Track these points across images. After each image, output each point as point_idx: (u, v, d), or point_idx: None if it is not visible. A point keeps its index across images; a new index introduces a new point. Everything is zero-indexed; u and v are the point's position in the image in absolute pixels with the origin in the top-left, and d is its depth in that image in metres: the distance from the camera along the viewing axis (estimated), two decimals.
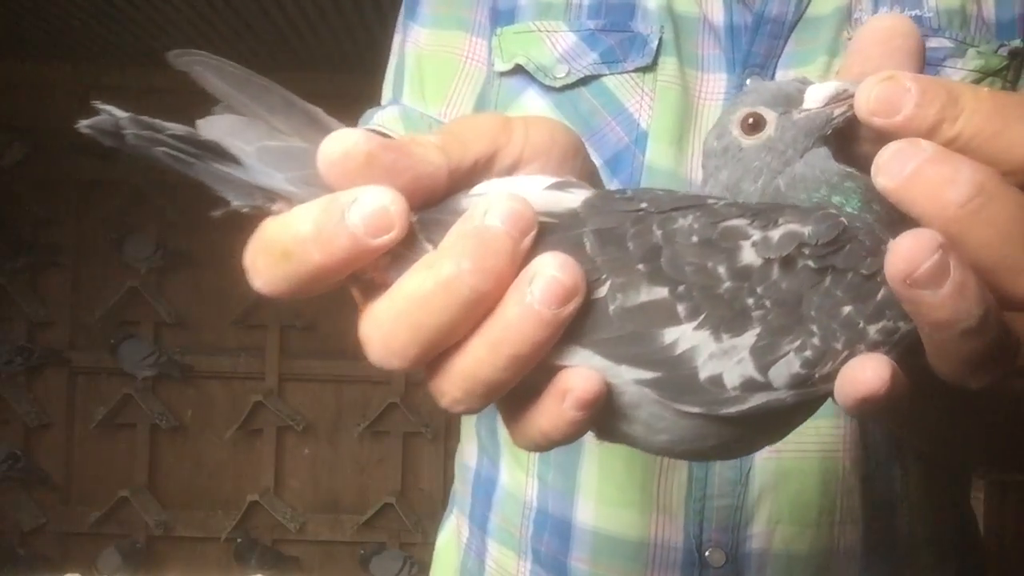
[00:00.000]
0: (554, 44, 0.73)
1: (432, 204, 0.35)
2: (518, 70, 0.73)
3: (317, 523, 3.08)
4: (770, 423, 0.36)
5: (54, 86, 3.03)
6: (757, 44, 0.69)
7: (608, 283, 0.34)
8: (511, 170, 0.38)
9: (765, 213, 0.35)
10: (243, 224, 0.39)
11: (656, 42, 0.71)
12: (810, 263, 0.34)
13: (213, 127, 0.39)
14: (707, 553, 0.65)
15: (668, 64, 0.71)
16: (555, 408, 0.34)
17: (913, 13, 0.67)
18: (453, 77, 0.78)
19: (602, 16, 0.73)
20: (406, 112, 0.78)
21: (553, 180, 0.37)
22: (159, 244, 3.01)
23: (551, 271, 0.32)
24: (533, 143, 0.38)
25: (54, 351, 3.03)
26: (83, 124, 0.37)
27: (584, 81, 0.72)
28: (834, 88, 0.37)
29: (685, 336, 0.34)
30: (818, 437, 0.64)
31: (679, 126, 0.70)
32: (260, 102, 0.40)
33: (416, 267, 0.33)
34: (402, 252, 0.34)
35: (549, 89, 0.72)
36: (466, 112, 0.77)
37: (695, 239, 0.34)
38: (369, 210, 0.33)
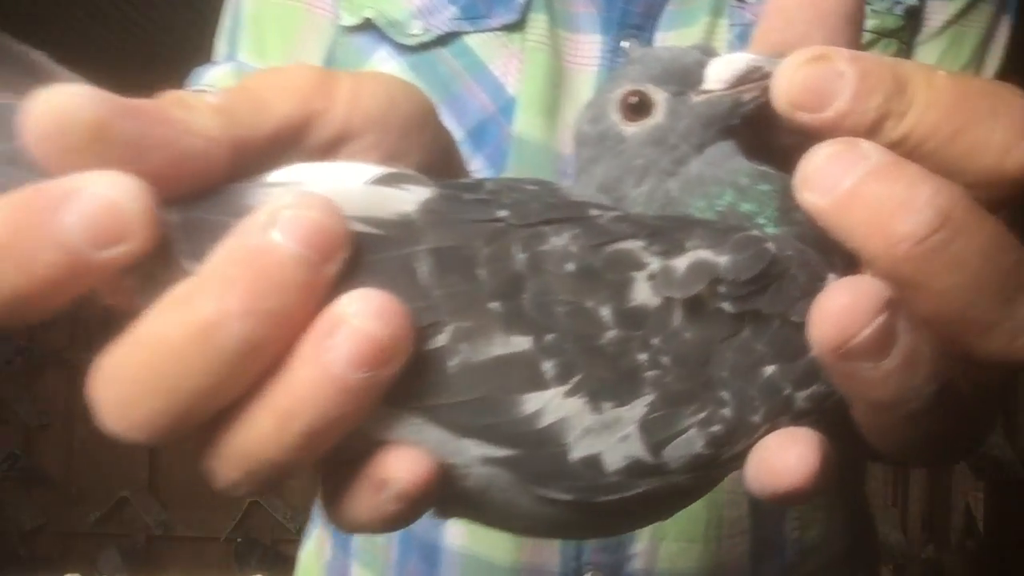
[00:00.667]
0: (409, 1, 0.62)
1: (204, 196, 0.25)
2: (367, 25, 0.63)
3: None
4: (660, 505, 0.28)
5: None
6: (635, 3, 0.61)
7: (449, 328, 0.24)
8: (331, 146, 0.28)
9: (667, 234, 0.26)
10: None
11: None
12: (725, 306, 0.25)
13: None
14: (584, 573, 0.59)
15: (538, 22, 0.61)
16: (372, 498, 0.25)
17: None
18: (297, 29, 0.67)
19: None
20: (242, 71, 0.69)
21: (381, 170, 0.26)
22: None
23: (361, 321, 0.22)
24: (364, 108, 0.28)
25: (54, 351, 3.03)
26: None
27: (443, 40, 0.62)
28: (745, 64, 0.28)
29: (552, 404, 0.25)
30: None
31: (550, 93, 0.61)
32: None
33: (166, 301, 0.23)
34: (153, 271, 0.24)
35: (403, 48, 0.62)
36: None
37: (571, 267, 0.25)
38: (91, 209, 0.22)
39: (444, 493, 0.26)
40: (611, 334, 0.25)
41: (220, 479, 0.26)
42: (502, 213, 0.26)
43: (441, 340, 0.24)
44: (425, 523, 0.60)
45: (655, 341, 0.25)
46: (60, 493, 3.07)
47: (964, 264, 0.23)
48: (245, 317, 0.22)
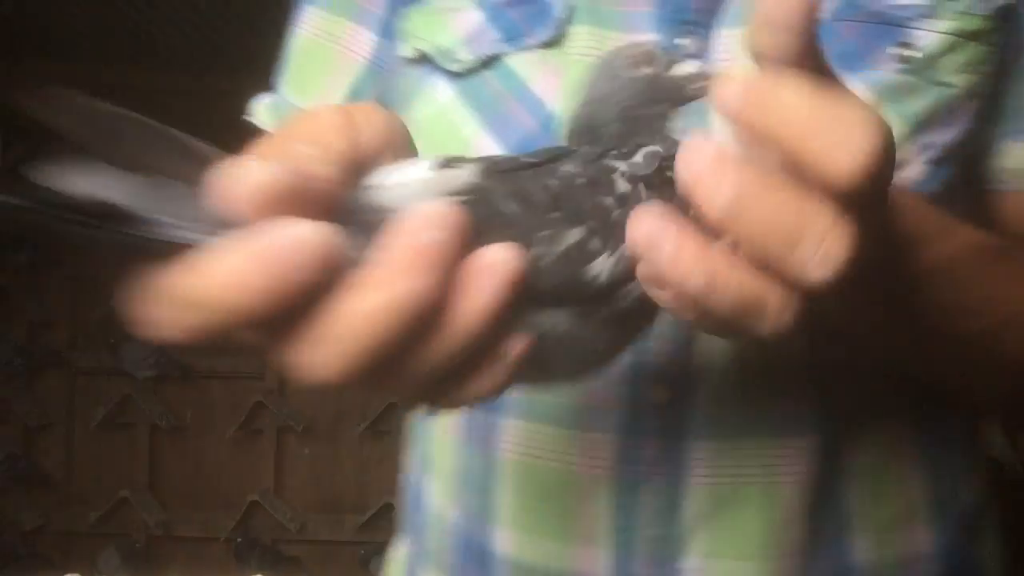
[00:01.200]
0: (459, 25, 0.64)
1: (341, 202, 0.35)
2: (422, 57, 0.65)
3: (317, 523, 3.08)
4: (644, 314, 0.40)
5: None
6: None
7: (536, 239, 0.36)
8: (371, 163, 0.37)
9: (624, 145, 0.40)
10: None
11: (562, 11, 0.62)
12: (669, 175, 0.38)
13: (59, 176, 0.30)
14: None
15: (579, 35, 0.62)
16: (491, 372, 0.36)
17: None
18: (330, 69, 0.72)
19: None
20: (277, 105, 0.75)
21: (434, 159, 0.37)
22: None
23: (501, 263, 0.34)
24: (377, 133, 0.38)
25: (54, 351, 3.03)
26: None
27: (487, 63, 0.64)
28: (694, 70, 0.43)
29: (602, 265, 0.37)
30: (758, 462, 0.58)
31: None
32: (111, 135, 0.33)
33: (360, 285, 0.32)
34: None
35: (453, 75, 0.64)
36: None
37: (582, 180, 0.38)
38: (309, 250, 0.31)
39: (531, 359, 0.37)
40: (616, 212, 0.37)
41: (404, 398, 0.37)
42: (526, 160, 0.38)
43: (535, 250, 0.36)
44: (477, 528, 0.61)
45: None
46: (60, 493, 3.07)
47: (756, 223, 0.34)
48: (427, 288, 0.32)
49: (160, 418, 3.02)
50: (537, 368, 0.38)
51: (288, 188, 0.32)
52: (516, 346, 0.36)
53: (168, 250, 0.31)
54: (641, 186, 0.38)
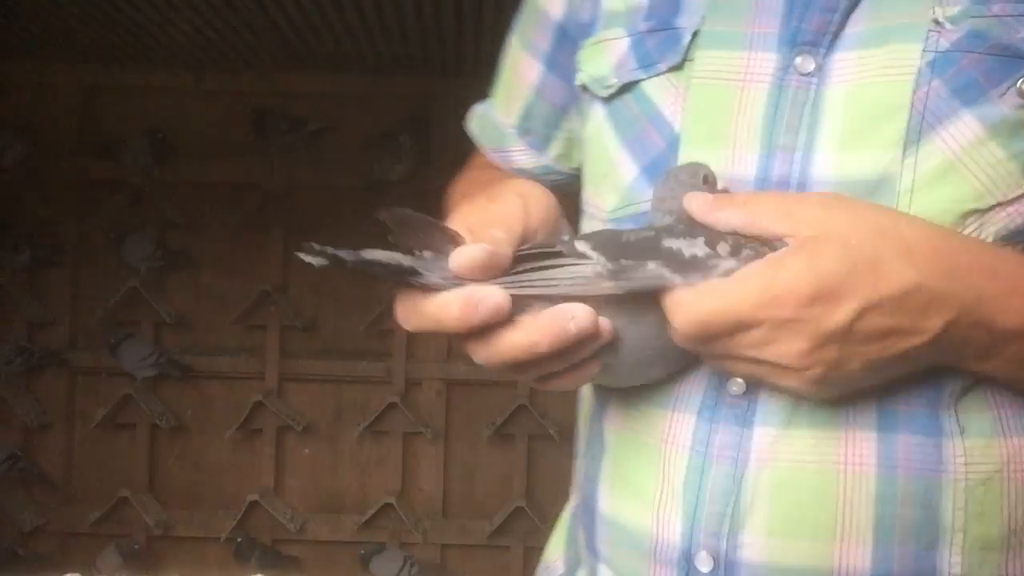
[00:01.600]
0: (612, 53, 0.72)
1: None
2: (583, 86, 0.76)
3: (317, 523, 3.08)
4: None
5: (54, 86, 3.03)
6: (807, 19, 0.64)
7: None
8: (533, 235, 0.62)
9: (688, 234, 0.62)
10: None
11: (688, 38, 0.68)
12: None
13: (384, 253, 0.58)
14: (696, 556, 0.63)
15: (703, 59, 0.68)
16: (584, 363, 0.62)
17: None
18: (512, 91, 0.87)
19: (651, 16, 0.71)
20: (484, 115, 0.91)
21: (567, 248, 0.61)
22: (159, 244, 3.01)
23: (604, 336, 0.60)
24: (539, 216, 0.64)
25: (54, 351, 3.03)
26: (308, 259, 0.56)
27: (626, 88, 0.71)
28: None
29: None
30: (815, 447, 0.61)
31: (715, 121, 0.67)
32: (417, 231, 0.59)
33: (517, 328, 0.58)
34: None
35: (603, 100, 0.73)
36: (514, 123, 0.86)
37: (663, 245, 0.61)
38: (489, 302, 0.57)
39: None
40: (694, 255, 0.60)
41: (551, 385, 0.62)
42: (630, 238, 0.62)
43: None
44: (589, 487, 0.74)
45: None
46: (60, 493, 3.07)
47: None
48: (546, 347, 0.58)
49: (160, 418, 3.01)
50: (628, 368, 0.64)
51: (488, 260, 0.57)
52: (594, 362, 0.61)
53: (425, 288, 0.58)
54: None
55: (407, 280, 0.57)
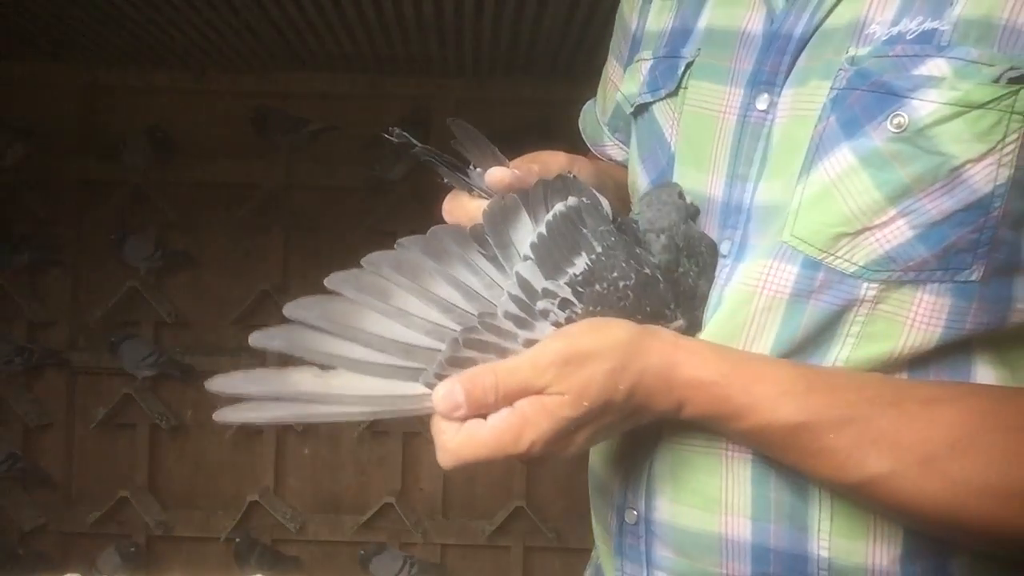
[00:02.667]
0: (641, 73, 0.82)
1: None
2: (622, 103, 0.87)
3: (317, 523, 3.08)
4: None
5: (54, 86, 3.03)
6: (764, 61, 0.71)
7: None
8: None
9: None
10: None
11: (683, 67, 0.77)
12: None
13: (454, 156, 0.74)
14: (625, 511, 0.75)
15: (694, 88, 0.76)
16: None
17: (931, 27, 0.63)
18: (606, 94, 0.95)
19: (668, 43, 0.80)
20: (587, 111, 1.01)
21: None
22: (159, 244, 3.01)
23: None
24: (581, 173, 0.78)
25: (54, 351, 3.03)
26: (394, 134, 0.70)
27: (641, 109, 0.82)
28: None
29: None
30: (701, 436, 0.70)
31: (701, 147, 0.75)
32: (476, 145, 0.73)
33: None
34: None
35: (631, 117, 0.84)
36: (607, 121, 0.96)
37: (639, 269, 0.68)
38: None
39: None
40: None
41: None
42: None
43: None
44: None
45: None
46: (60, 493, 3.07)
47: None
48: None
49: (160, 418, 3.01)
50: None
51: (512, 182, 0.70)
52: None
53: (470, 189, 0.73)
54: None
55: (460, 179, 0.73)
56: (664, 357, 0.63)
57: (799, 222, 0.66)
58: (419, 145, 0.70)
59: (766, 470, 0.68)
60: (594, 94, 1.00)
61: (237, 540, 2.91)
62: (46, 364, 3.03)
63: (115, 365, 2.97)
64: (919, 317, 0.64)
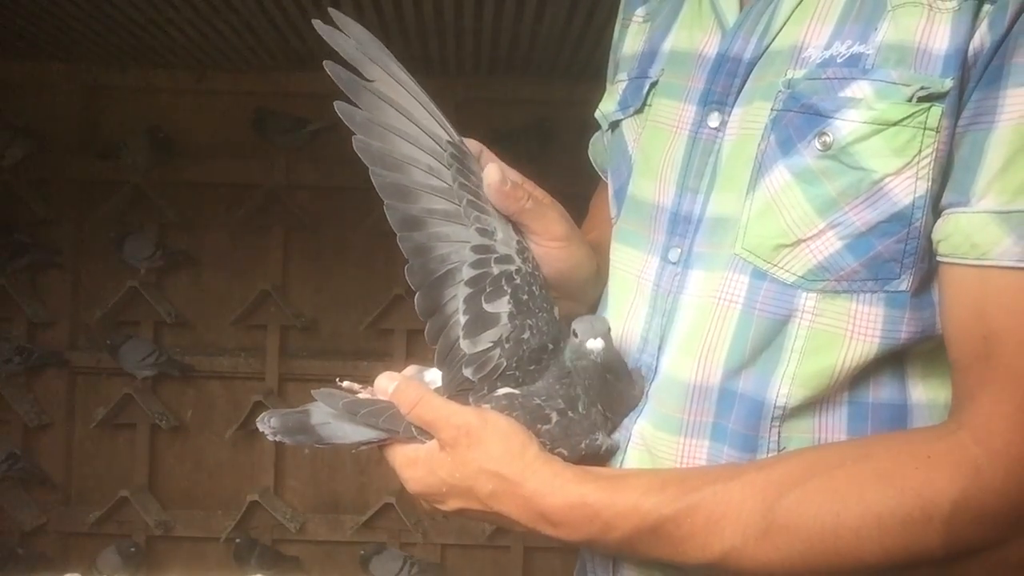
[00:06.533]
0: (617, 93, 0.88)
1: None
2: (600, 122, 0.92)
3: (317, 523, 3.08)
4: None
5: (54, 86, 3.03)
6: (715, 80, 0.76)
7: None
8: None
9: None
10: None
11: (647, 87, 0.82)
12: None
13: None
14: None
15: (656, 105, 0.81)
16: None
17: (858, 50, 0.68)
18: (604, 108, 0.98)
19: (639, 65, 0.86)
20: (596, 139, 1.02)
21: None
22: (159, 244, 3.01)
23: None
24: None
25: (54, 351, 3.03)
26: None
27: (614, 125, 0.88)
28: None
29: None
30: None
31: (652, 158, 0.80)
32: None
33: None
34: None
35: (606, 133, 0.90)
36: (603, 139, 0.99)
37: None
38: None
39: None
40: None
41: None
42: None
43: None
44: None
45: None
46: (60, 493, 3.07)
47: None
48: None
49: (160, 418, 3.01)
50: None
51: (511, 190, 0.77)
52: None
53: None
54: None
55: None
56: (539, 485, 0.71)
57: (747, 235, 0.71)
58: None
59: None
60: (594, 96, 1.01)
61: (237, 540, 2.91)
62: (46, 364, 3.03)
63: (115, 365, 2.97)
64: (857, 328, 0.68)
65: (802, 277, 0.69)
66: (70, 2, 2.29)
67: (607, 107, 0.89)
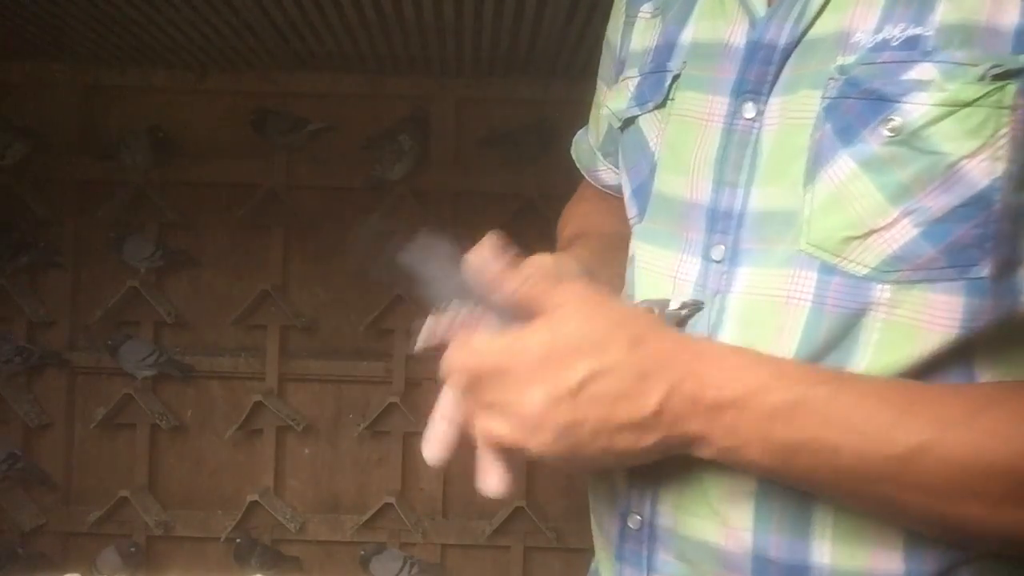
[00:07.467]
0: (628, 90, 0.85)
1: None
2: (610, 121, 0.88)
3: (317, 523, 3.08)
4: None
5: (54, 86, 3.03)
6: (748, 70, 0.73)
7: None
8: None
9: None
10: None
11: (670, 80, 0.80)
12: None
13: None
14: (629, 516, 0.75)
15: (680, 98, 0.79)
16: None
17: (914, 33, 0.65)
18: (597, 118, 0.97)
19: (654, 59, 0.83)
20: (579, 139, 1.03)
21: None
22: (159, 244, 3.01)
23: None
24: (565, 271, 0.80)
25: (54, 351, 3.03)
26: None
27: (628, 122, 0.84)
28: None
29: None
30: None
31: (681, 153, 0.77)
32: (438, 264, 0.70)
33: None
34: None
35: (618, 132, 0.86)
36: (599, 146, 0.98)
37: None
38: None
39: None
40: None
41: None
42: None
43: None
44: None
45: None
46: (60, 493, 3.07)
47: None
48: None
49: (160, 418, 3.01)
50: None
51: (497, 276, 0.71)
52: None
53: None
54: None
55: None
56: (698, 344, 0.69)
57: (812, 230, 0.68)
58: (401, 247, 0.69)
59: (770, 481, 0.68)
60: (592, 97, 1.01)
61: (237, 540, 2.91)
62: (46, 364, 3.03)
63: (115, 365, 2.97)
64: (936, 318, 0.65)
65: (875, 269, 0.66)
66: (70, 2, 2.29)
67: (616, 104, 0.86)
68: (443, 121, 2.99)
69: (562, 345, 0.65)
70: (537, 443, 0.65)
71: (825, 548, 0.67)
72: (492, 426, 0.67)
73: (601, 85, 0.97)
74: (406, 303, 2.89)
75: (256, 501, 2.96)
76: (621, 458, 0.67)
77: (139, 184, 2.99)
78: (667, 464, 0.70)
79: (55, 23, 2.51)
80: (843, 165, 0.67)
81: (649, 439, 0.65)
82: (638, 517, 0.75)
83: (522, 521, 2.97)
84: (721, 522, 0.70)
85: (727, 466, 0.68)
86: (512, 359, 0.65)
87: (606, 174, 0.98)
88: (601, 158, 0.98)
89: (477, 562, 3.09)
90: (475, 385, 0.67)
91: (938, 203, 0.64)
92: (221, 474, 3.12)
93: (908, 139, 0.65)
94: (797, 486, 0.67)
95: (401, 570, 2.86)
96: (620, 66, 0.90)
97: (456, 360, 0.68)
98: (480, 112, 2.98)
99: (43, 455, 3.06)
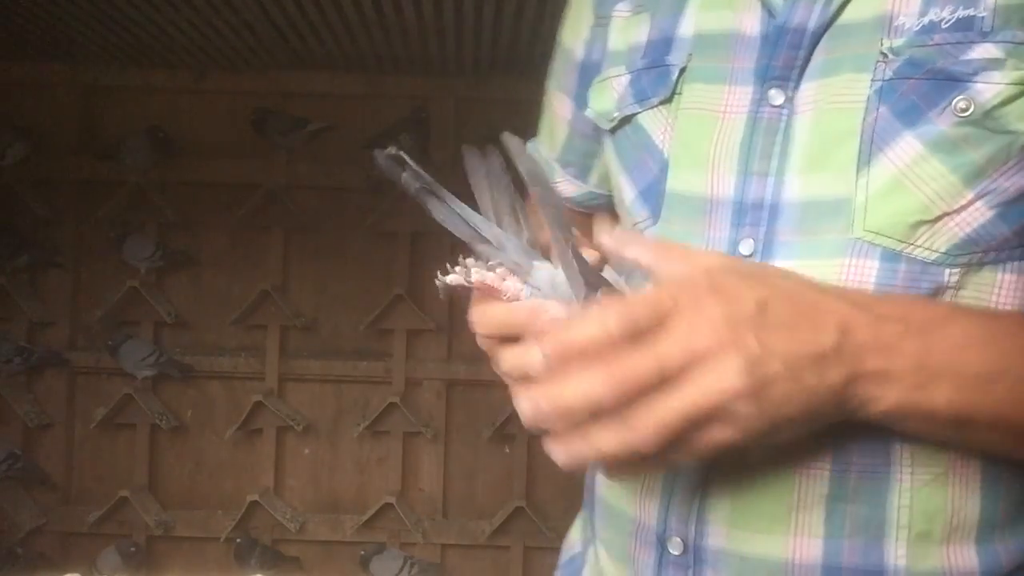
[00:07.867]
0: (615, 89, 0.81)
1: None
2: (594, 123, 0.84)
3: (317, 523, 3.08)
4: None
5: (54, 86, 3.03)
6: (773, 56, 0.70)
7: None
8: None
9: None
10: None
11: (676, 73, 0.76)
12: None
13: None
14: (668, 540, 0.70)
15: (689, 92, 0.75)
16: None
17: (966, 14, 0.64)
18: (554, 129, 0.94)
19: (647, 55, 0.79)
20: (531, 151, 0.97)
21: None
22: (159, 244, 3.01)
23: None
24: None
25: (54, 351, 3.03)
26: (378, 155, 0.63)
27: (625, 121, 0.80)
28: None
29: None
30: (773, 451, 0.64)
31: (697, 148, 0.74)
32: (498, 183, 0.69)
33: None
34: None
35: (608, 133, 0.82)
36: (557, 156, 0.94)
37: None
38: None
39: None
40: None
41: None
42: None
43: None
44: (590, 479, 0.82)
45: None
46: (60, 493, 3.07)
47: None
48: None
49: (160, 418, 3.02)
50: None
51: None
52: None
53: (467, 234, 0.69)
54: None
55: (459, 224, 0.68)
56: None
57: (870, 216, 0.65)
58: (414, 167, 0.66)
59: (843, 482, 0.65)
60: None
61: (237, 540, 2.91)
62: (46, 364, 3.03)
63: (115, 365, 2.97)
64: (1002, 298, 0.65)
65: (946, 253, 0.65)
66: (70, 2, 2.29)
67: (602, 105, 0.82)
68: (443, 121, 2.99)
69: (720, 281, 0.58)
70: (729, 383, 0.55)
71: (900, 549, 0.65)
72: (709, 381, 0.56)
73: (556, 95, 0.93)
74: (406, 303, 2.89)
75: (256, 501, 2.97)
76: (806, 407, 0.58)
77: (139, 184, 2.99)
78: (717, 477, 0.67)
79: (55, 23, 2.51)
80: (907, 147, 0.65)
81: (834, 375, 0.58)
82: (679, 540, 0.69)
83: (522, 521, 2.97)
84: (786, 532, 0.66)
85: (795, 470, 0.65)
86: (685, 292, 0.58)
87: (566, 185, 0.94)
88: (559, 168, 0.94)
89: (477, 562, 3.09)
90: (651, 327, 0.57)
91: (1015, 183, 0.64)
92: (221, 474, 3.12)
93: (981, 119, 0.63)
94: (978, 438, 0.62)
95: (401, 570, 2.86)
96: (589, 69, 0.86)
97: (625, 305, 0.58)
98: (480, 112, 2.98)
99: (43, 455, 3.06)
